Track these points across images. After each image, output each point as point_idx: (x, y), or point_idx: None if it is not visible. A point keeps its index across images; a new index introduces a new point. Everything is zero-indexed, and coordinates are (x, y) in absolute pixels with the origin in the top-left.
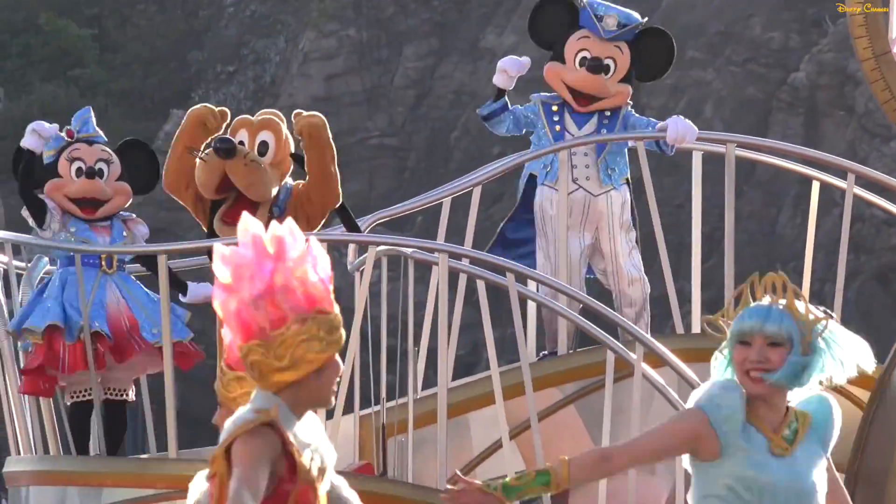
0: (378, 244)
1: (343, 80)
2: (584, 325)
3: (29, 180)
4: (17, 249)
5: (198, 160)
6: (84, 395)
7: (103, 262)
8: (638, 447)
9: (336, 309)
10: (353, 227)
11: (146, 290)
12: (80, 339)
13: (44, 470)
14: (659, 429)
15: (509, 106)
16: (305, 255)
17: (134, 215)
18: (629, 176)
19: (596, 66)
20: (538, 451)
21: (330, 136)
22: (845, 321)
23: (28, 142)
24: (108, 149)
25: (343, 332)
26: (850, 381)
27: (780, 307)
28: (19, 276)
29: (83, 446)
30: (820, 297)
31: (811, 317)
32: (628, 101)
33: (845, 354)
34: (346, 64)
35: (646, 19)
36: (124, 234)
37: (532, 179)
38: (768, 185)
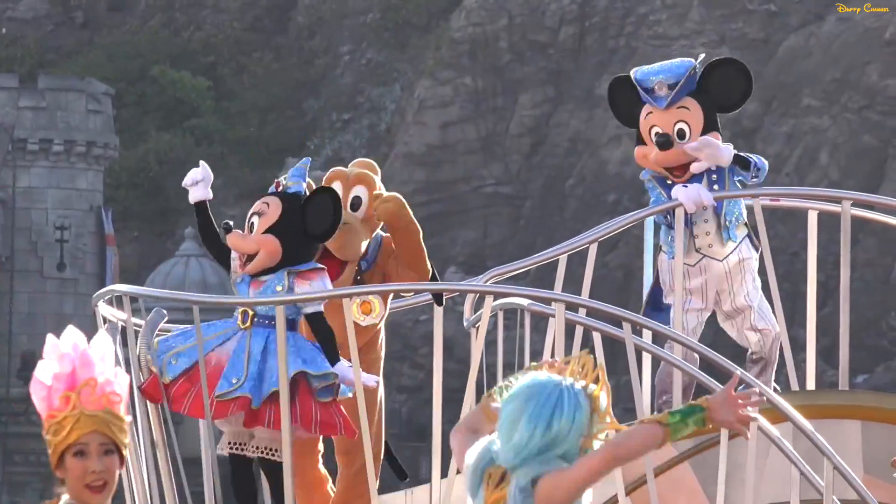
0: (494, 294)
1: (458, 127)
2: (701, 377)
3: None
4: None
5: None
6: (241, 448)
7: (241, 317)
8: None
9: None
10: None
11: (307, 340)
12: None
13: None
14: None
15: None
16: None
17: (320, 266)
18: (745, 220)
19: (664, 143)
20: None
21: (410, 214)
22: None
23: (195, 195)
24: (270, 199)
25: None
26: None
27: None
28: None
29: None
30: None
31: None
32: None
33: None
34: (462, 112)
35: (701, 56)
36: (277, 288)
37: (658, 249)
38: (883, 234)
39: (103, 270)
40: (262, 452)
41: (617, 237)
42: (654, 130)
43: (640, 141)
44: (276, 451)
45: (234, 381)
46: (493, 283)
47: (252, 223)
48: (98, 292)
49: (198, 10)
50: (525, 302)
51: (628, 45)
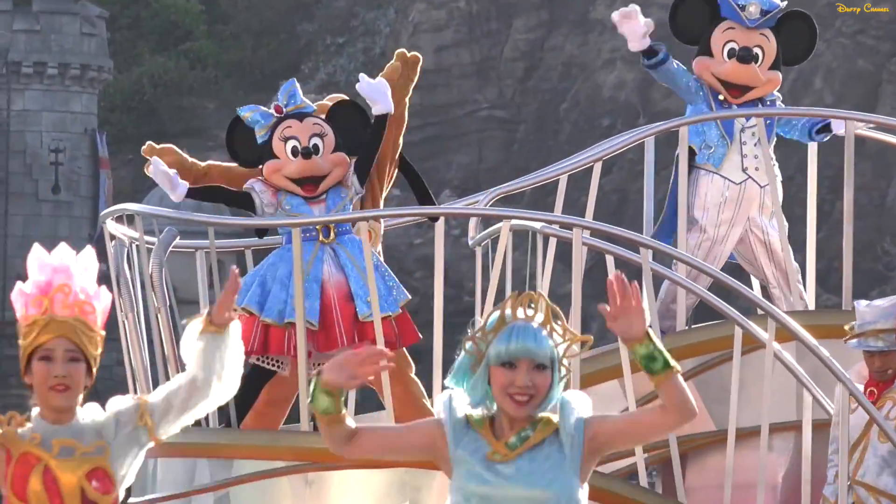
0: (512, 218)
1: (453, 52)
2: (714, 301)
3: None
4: (129, 220)
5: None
6: (271, 364)
7: (320, 233)
8: (383, 435)
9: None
10: (420, 186)
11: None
12: (285, 325)
13: (173, 442)
14: (409, 424)
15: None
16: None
17: (354, 177)
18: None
19: (746, 56)
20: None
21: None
22: None
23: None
24: (319, 120)
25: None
26: None
27: (542, 327)
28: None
29: (244, 409)
30: None
31: (568, 336)
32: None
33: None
34: (456, 36)
35: (785, 2)
36: (342, 195)
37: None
38: (878, 158)
39: (98, 193)
40: None
41: (612, 161)
42: (730, 45)
43: (704, 53)
44: None
45: (368, 300)
46: (496, 203)
47: (315, 145)
48: (106, 210)
49: None
50: (538, 225)
51: None
